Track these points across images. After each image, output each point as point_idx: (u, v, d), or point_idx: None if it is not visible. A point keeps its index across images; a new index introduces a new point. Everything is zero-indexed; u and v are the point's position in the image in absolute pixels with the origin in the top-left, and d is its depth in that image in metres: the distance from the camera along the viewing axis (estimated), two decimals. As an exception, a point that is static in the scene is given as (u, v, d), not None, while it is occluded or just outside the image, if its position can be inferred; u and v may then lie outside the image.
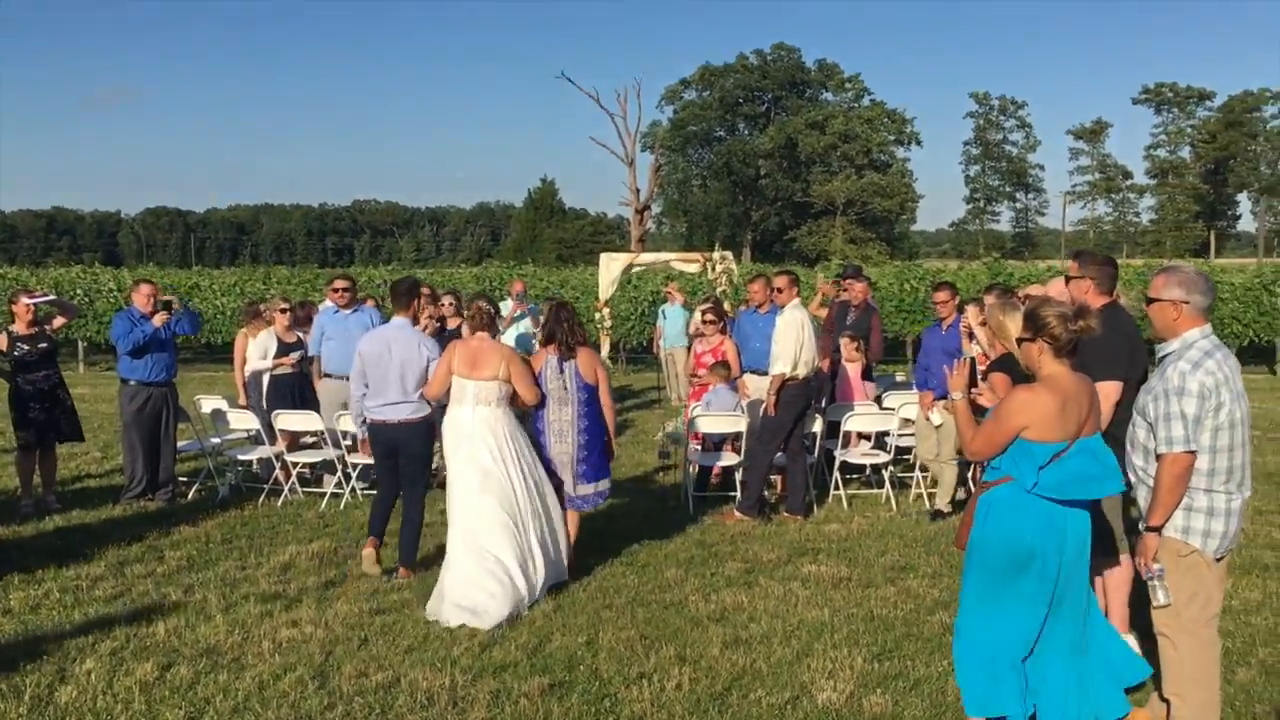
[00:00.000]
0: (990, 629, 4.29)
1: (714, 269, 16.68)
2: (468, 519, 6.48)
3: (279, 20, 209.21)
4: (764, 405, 8.79)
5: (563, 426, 6.98)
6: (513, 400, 6.79)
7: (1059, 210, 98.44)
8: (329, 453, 9.44)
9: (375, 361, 7.08)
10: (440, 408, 7.05)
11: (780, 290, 9.01)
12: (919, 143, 79.99)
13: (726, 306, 13.74)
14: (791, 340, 8.60)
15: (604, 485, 7.17)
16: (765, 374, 9.06)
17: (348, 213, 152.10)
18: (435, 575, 6.59)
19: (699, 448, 9.63)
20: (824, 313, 11.50)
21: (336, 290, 9.79)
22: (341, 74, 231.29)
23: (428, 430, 7.14)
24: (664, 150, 74.20)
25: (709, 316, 10.47)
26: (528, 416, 7.15)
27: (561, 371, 6.99)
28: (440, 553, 6.85)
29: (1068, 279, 5.71)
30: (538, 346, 7.32)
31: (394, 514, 7.25)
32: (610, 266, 17.39)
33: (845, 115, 78.10)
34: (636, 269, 19.08)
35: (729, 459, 9.31)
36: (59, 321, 9.42)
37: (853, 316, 10.75)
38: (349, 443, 9.47)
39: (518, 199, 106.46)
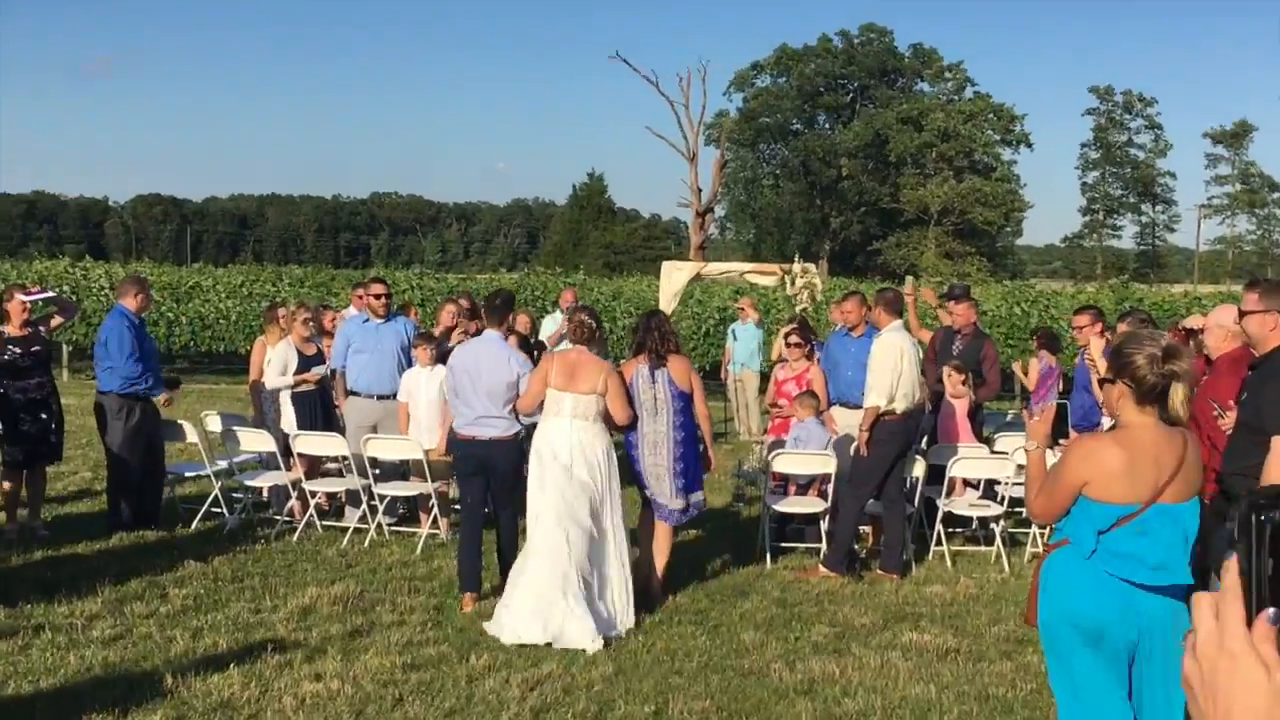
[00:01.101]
0: None
1: (793, 283, 16.67)
2: (554, 534, 7.00)
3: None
4: (855, 444, 8.77)
5: (657, 438, 7.59)
6: (605, 418, 7.33)
7: (1192, 226, 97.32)
8: (353, 481, 9.55)
9: (466, 376, 7.65)
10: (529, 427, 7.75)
11: (877, 310, 9.01)
12: (1029, 144, 79.42)
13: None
14: (888, 368, 8.58)
15: (698, 498, 7.82)
16: (857, 407, 9.05)
17: (364, 206, 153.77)
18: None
19: (779, 490, 9.62)
20: (927, 335, 11.45)
21: (377, 297, 9.89)
22: (359, 49, 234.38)
23: (518, 448, 7.67)
24: (731, 144, 74.36)
25: (793, 339, 10.46)
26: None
27: (654, 381, 7.61)
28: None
29: (1242, 313, 5.62)
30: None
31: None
32: (673, 277, 17.45)
33: (944, 109, 77.79)
34: (703, 281, 19.14)
35: (814, 505, 9.30)
36: (55, 321, 9.63)
37: (960, 344, 10.69)
38: (376, 471, 9.58)
39: (560, 196, 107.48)
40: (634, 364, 7.75)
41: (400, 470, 9.93)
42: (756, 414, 16.23)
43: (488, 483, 7.75)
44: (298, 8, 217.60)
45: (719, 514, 10.97)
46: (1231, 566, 1.09)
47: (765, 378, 15.11)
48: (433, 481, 9.22)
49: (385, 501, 9.56)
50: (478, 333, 10.16)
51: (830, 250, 78.28)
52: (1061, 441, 4.59)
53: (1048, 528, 9.39)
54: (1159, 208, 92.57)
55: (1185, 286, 32.02)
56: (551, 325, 13.64)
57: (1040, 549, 9.42)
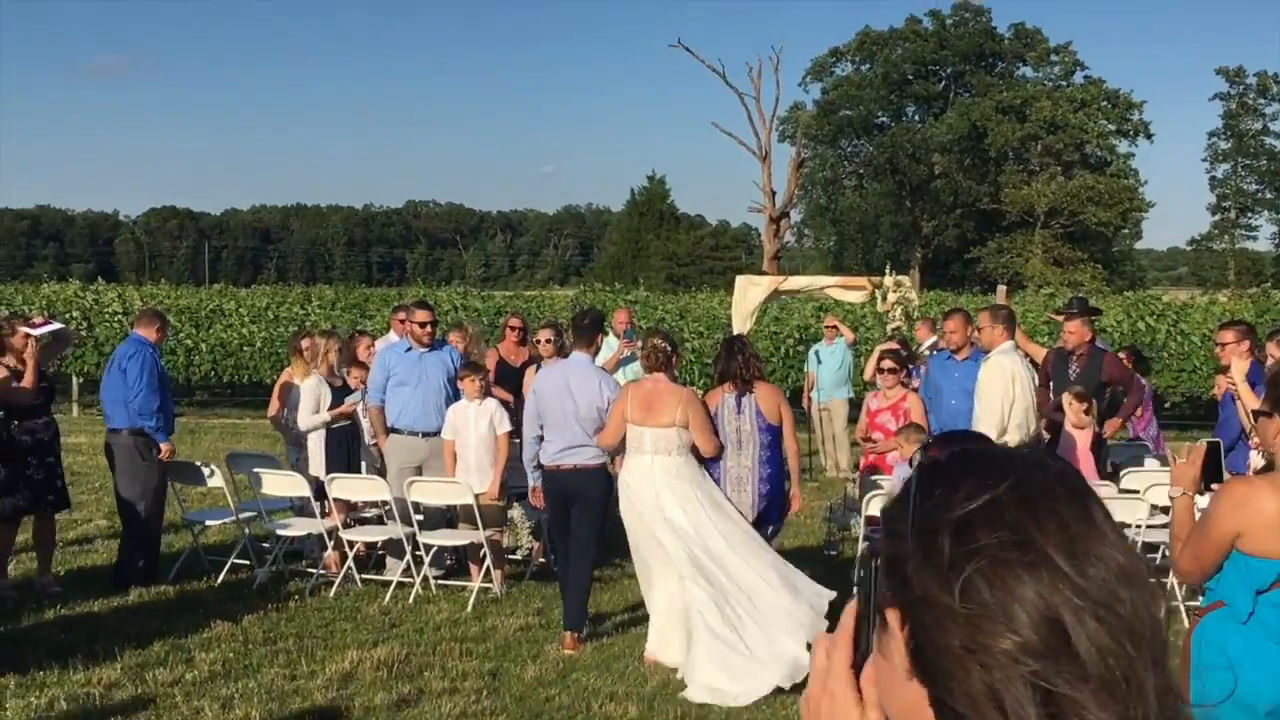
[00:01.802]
0: None
1: (884, 299, 16.52)
2: (685, 580, 7.28)
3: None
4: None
5: (741, 473, 7.71)
6: (692, 449, 7.54)
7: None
8: (395, 529, 9.57)
9: (555, 401, 7.97)
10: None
11: (985, 329, 8.94)
12: (1148, 135, 78.63)
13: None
14: (998, 395, 8.53)
15: (775, 532, 8.07)
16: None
17: (399, 217, 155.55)
18: (609, 645, 8.03)
19: (876, 535, 9.53)
20: (1040, 351, 11.32)
21: (421, 325, 9.87)
22: (390, 46, 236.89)
23: (605, 477, 7.96)
24: (808, 141, 74.31)
25: (887, 363, 10.38)
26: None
27: (740, 411, 7.73)
28: (613, 619, 8.55)
29: None
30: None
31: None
32: (749, 293, 17.37)
33: (1050, 97, 77.20)
34: (782, 297, 19.05)
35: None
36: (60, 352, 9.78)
37: (1076, 366, 10.52)
38: (420, 516, 9.59)
39: (616, 203, 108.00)
40: (719, 393, 7.89)
41: (446, 516, 9.92)
42: (846, 447, 16.10)
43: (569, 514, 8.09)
44: (319, 7, 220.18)
45: (806, 560, 10.79)
46: (851, 608, 1.19)
47: (854, 405, 15.02)
48: (485, 529, 9.19)
49: (431, 552, 9.56)
50: (528, 362, 10.28)
51: (922, 258, 77.81)
52: (1213, 486, 4.43)
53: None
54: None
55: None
56: (606, 351, 13.43)
57: (1178, 601, 9.22)
